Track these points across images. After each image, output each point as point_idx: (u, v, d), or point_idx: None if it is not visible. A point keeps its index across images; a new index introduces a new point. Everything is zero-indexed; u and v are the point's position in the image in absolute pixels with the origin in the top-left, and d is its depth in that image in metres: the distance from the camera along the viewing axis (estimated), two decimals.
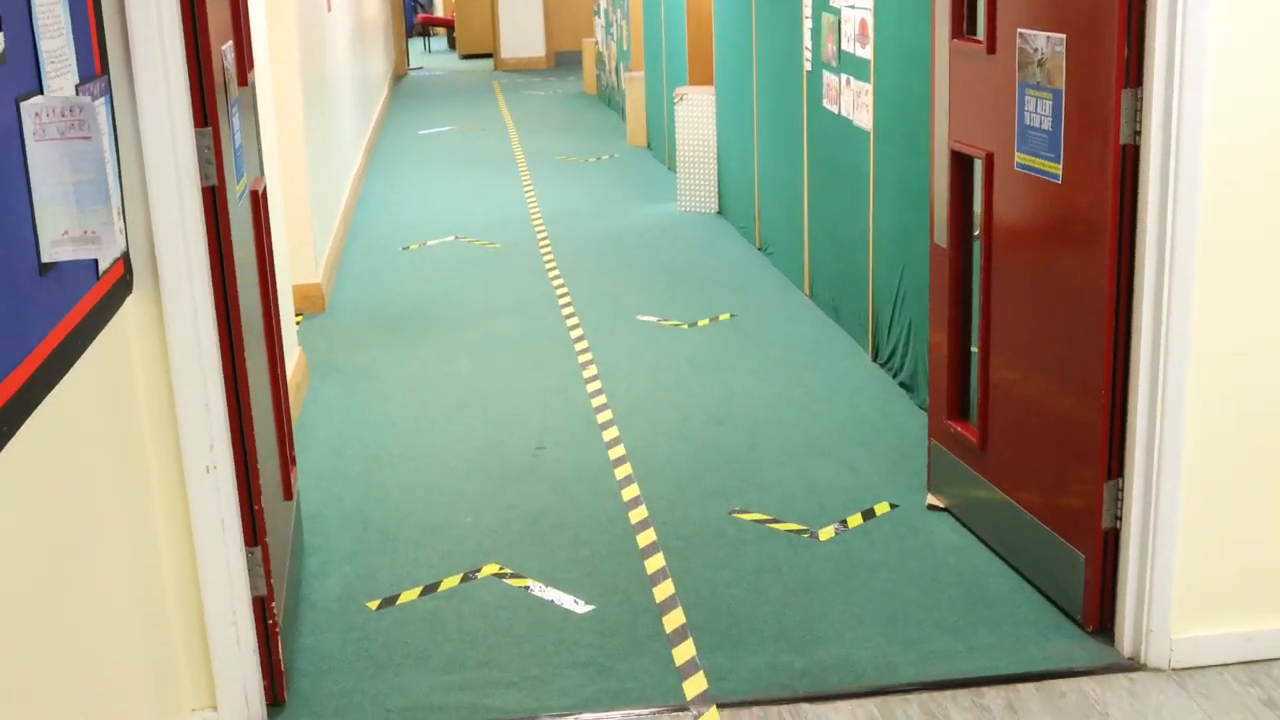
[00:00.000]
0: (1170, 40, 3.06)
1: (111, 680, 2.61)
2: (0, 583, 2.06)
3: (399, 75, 19.60)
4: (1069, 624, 3.55)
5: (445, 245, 8.44)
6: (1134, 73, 3.15)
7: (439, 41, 25.16)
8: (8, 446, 2.06)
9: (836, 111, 6.07)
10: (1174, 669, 3.35)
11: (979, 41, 3.79)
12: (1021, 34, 3.54)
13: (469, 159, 11.85)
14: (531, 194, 10.03)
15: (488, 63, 21.21)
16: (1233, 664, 3.36)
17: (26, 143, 2.24)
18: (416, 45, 24.41)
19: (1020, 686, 3.31)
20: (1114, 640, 3.45)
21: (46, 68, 2.37)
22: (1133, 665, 3.37)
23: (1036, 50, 3.48)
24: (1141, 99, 3.15)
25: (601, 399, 5.42)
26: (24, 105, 2.24)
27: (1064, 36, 3.36)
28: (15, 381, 2.12)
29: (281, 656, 3.29)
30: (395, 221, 9.17)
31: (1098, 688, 3.29)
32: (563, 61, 20.38)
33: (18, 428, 2.12)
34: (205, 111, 2.95)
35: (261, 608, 3.22)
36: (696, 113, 8.93)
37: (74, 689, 2.36)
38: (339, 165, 8.91)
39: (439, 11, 25.91)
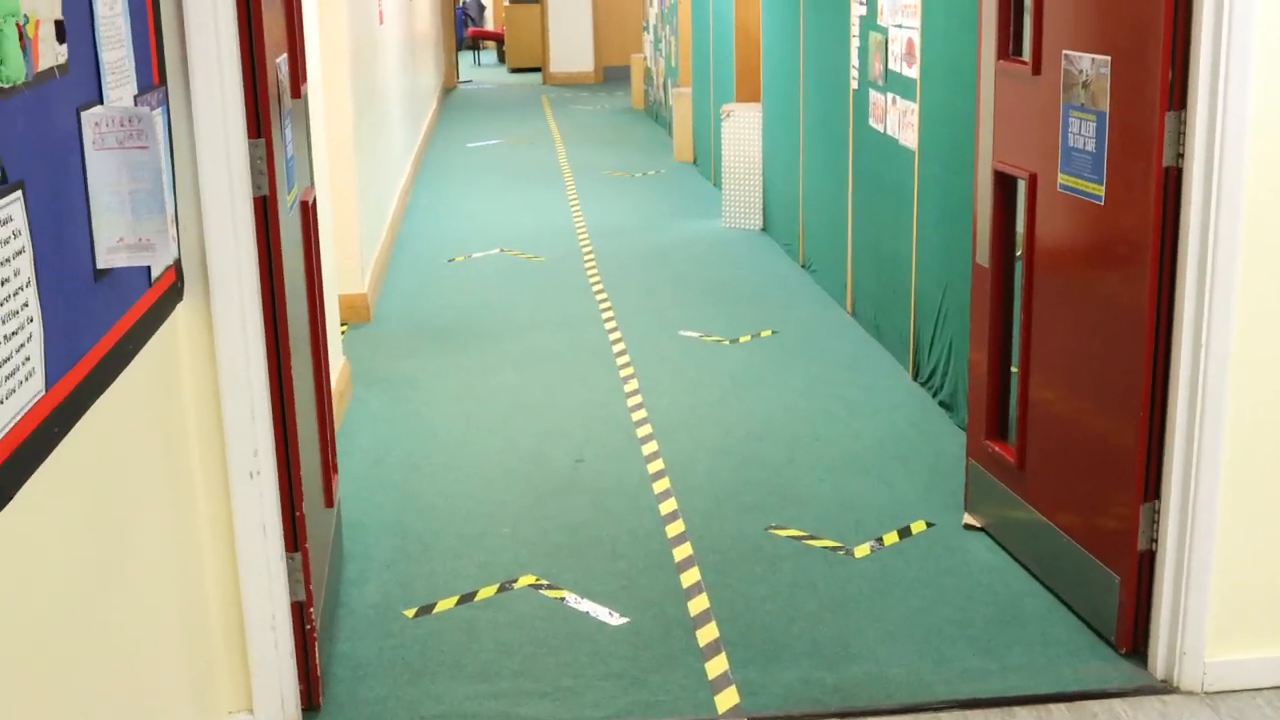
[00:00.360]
0: (1214, 65, 3.07)
1: (150, 680, 2.66)
2: (46, 581, 2.12)
3: (448, 88, 19.75)
4: (1103, 645, 3.55)
5: (490, 258, 8.50)
6: (1178, 96, 3.16)
7: (489, 55, 25.33)
8: (59, 447, 2.12)
9: (882, 130, 6.09)
10: (1207, 692, 3.34)
11: (1024, 62, 3.81)
12: (1067, 55, 3.56)
13: (516, 172, 11.92)
14: (577, 208, 10.09)
15: (536, 77, 21.33)
16: (1267, 688, 3.35)
17: (86, 151, 2.30)
18: (466, 58, 24.58)
19: (1052, 707, 3.31)
20: (1147, 663, 3.45)
21: (107, 78, 2.43)
22: (1166, 688, 3.37)
23: (1081, 72, 3.49)
24: (1185, 122, 3.16)
25: (642, 413, 5.46)
26: (84, 115, 2.30)
27: (1109, 59, 3.37)
28: (68, 384, 2.17)
29: (318, 662, 3.33)
30: (441, 233, 9.24)
31: (1130, 709, 3.29)
32: (611, 76, 20.47)
33: (69, 429, 2.17)
34: (259, 123, 3.01)
35: (300, 613, 3.27)
36: (743, 129, 8.96)
37: (113, 687, 2.41)
38: (387, 177, 9.00)
39: (489, 25, 26.08)
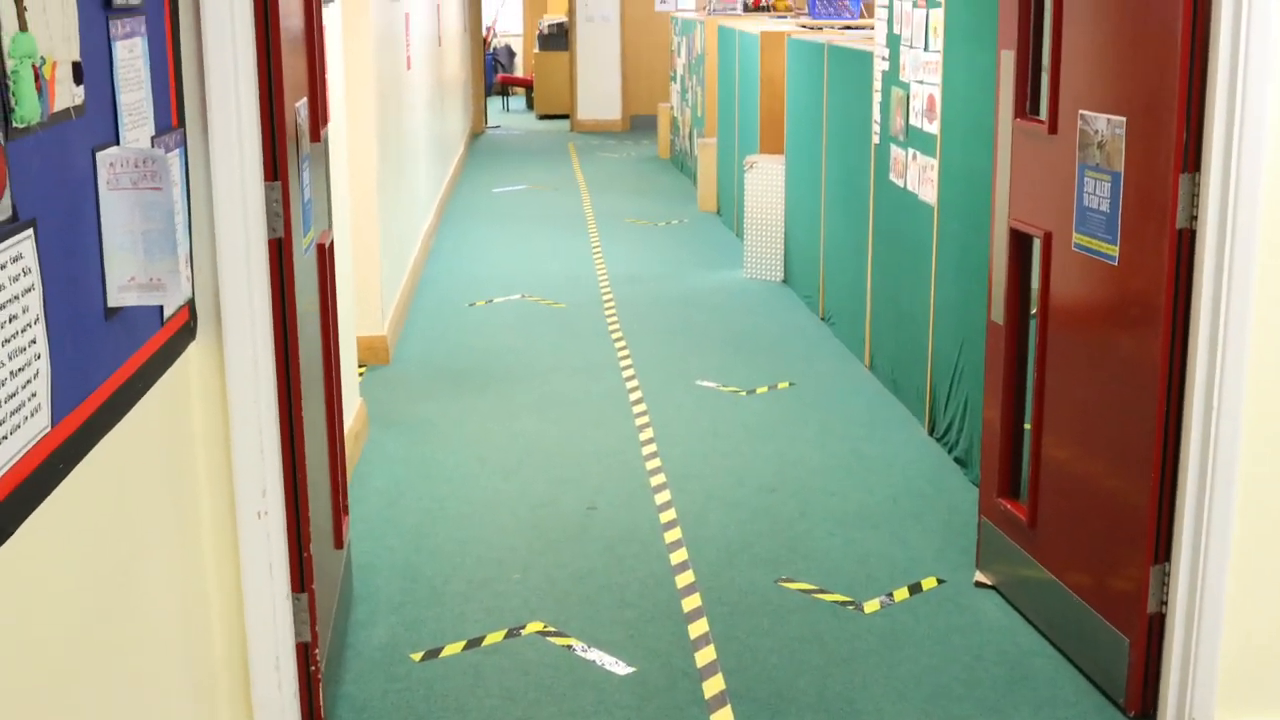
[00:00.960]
0: (1229, 127, 3.07)
1: (155, 718, 2.65)
2: (47, 618, 2.12)
3: (476, 133, 19.87)
4: (1111, 708, 3.52)
5: (511, 303, 8.53)
6: (1192, 158, 3.17)
7: (517, 101, 25.50)
8: (64, 483, 2.13)
9: (902, 185, 6.10)
10: None
11: (1041, 121, 3.82)
12: (1083, 115, 3.56)
13: (540, 218, 11.97)
14: (600, 255, 10.12)
15: (564, 123, 21.45)
16: None
17: (100, 191, 2.33)
18: (495, 104, 24.75)
19: None
20: None
21: (124, 119, 2.46)
22: None
23: (1097, 132, 3.50)
24: (1199, 185, 3.16)
25: (656, 462, 5.45)
26: (99, 155, 2.33)
27: (1124, 119, 3.38)
28: (75, 420, 2.19)
29: (322, 703, 3.33)
30: (463, 278, 9.28)
31: None
32: (638, 125, 20.57)
33: (74, 465, 2.18)
34: (276, 166, 3.04)
35: (305, 654, 3.27)
36: (766, 181, 9.00)
37: None
38: (411, 220, 9.05)
39: (519, 72, 26.28)
